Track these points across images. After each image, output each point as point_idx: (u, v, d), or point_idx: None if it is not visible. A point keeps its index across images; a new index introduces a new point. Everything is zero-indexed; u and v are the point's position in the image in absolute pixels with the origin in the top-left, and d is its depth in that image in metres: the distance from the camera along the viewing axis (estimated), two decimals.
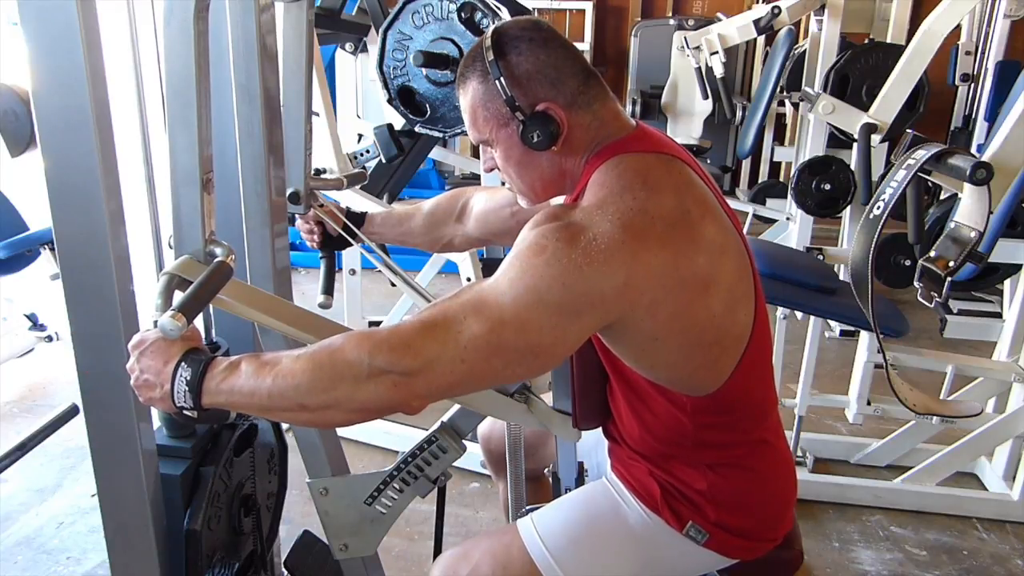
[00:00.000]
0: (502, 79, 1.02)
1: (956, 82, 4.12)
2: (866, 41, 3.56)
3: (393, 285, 1.58)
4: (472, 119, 1.09)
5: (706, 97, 3.73)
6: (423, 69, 1.61)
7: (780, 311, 2.46)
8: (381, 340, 0.90)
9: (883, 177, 1.64)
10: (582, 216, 0.96)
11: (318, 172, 1.47)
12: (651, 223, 0.95)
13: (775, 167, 5.60)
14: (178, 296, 0.94)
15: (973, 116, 4.03)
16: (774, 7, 3.27)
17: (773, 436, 1.20)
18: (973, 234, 1.50)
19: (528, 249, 0.93)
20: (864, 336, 2.38)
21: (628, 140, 1.07)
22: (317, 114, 1.65)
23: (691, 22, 4.86)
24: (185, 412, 0.94)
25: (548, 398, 1.29)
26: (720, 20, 3.70)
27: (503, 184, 1.49)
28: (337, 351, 0.91)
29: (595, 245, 0.91)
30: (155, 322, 0.92)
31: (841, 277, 2.63)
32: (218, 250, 1.00)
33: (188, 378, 0.92)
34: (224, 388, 0.93)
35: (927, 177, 1.60)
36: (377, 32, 1.92)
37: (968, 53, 4.02)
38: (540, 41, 1.04)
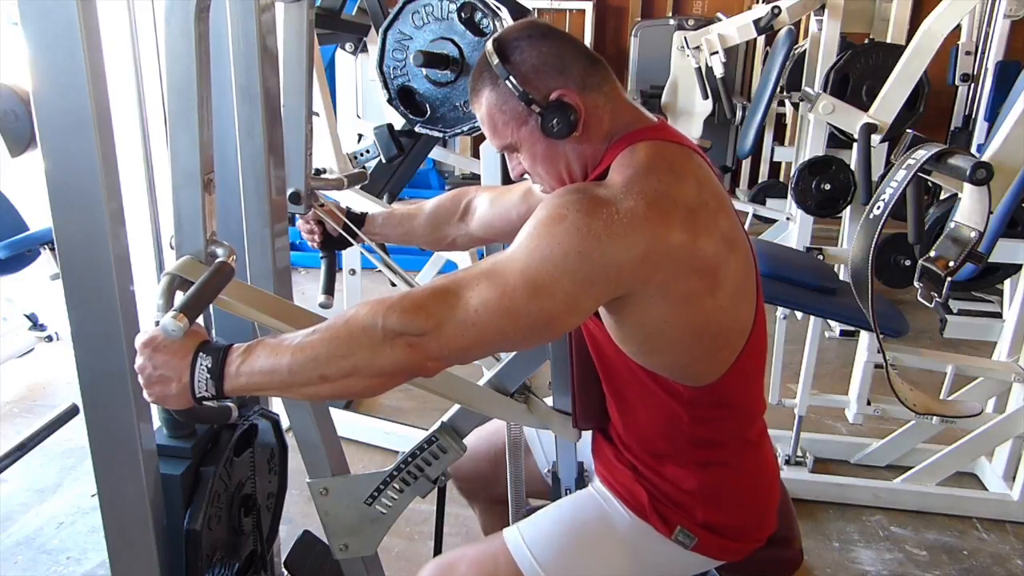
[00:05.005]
0: (511, 78, 1.03)
1: (956, 82, 4.12)
2: (866, 41, 3.56)
3: (393, 285, 1.58)
4: (492, 127, 1.09)
5: (706, 97, 3.73)
6: (423, 69, 1.60)
7: (780, 311, 2.46)
8: (393, 303, 0.92)
9: (883, 177, 1.64)
10: (605, 191, 0.96)
11: (318, 172, 1.47)
12: (674, 206, 0.96)
13: (775, 167, 5.60)
14: (180, 296, 0.94)
15: (973, 116, 4.04)
16: (774, 7, 3.28)
17: (759, 439, 1.21)
18: (973, 234, 1.50)
19: (547, 217, 0.94)
20: (864, 336, 2.38)
21: (651, 129, 1.07)
22: (317, 114, 1.65)
23: (691, 22, 4.85)
24: (205, 401, 0.95)
25: (549, 400, 1.29)
26: (720, 20, 3.70)
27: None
28: (352, 318, 0.92)
29: (617, 218, 0.92)
30: (157, 322, 0.92)
31: (841, 277, 2.63)
32: (219, 250, 1.00)
33: (209, 366, 0.93)
34: (244, 370, 0.93)
35: (927, 177, 1.60)
36: (377, 32, 1.92)
37: (968, 53, 4.03)
38: (539, 36, 1.06)
